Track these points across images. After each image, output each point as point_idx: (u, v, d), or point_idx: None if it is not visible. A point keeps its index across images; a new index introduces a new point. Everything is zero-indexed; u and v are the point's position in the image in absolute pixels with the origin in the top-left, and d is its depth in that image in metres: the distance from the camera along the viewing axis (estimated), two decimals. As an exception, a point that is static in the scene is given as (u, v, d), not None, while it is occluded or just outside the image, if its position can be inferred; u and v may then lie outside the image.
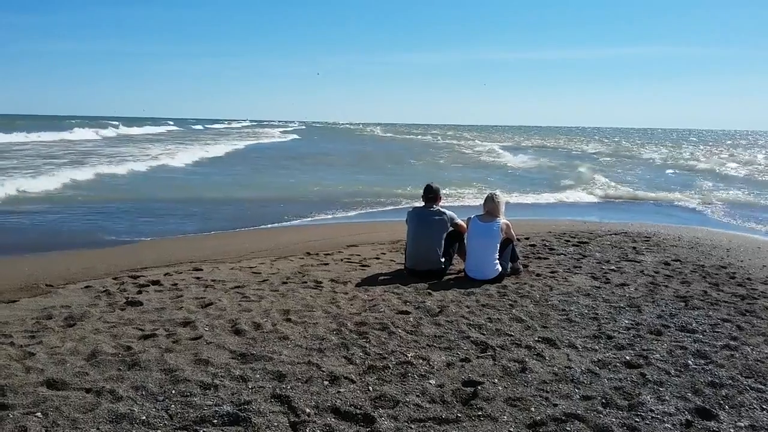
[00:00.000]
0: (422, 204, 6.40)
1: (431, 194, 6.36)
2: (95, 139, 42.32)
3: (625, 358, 3.91)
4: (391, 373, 3.58)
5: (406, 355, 3.85)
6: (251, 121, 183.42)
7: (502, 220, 6.11)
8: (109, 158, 23.37)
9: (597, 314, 4.90)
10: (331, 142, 49.20)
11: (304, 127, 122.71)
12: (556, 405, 3.20)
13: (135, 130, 59.04)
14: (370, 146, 44.44)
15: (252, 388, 3.31)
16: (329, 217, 10.98)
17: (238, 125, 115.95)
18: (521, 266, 6.47)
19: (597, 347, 4.13)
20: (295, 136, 61.03)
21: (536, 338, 4.27)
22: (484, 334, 4.34)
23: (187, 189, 14.69)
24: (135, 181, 16.54)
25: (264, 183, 16.61)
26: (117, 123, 69.65)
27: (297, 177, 18.25)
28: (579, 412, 3.11)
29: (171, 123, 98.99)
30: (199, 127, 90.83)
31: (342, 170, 21.54)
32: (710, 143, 63.03)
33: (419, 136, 69.82)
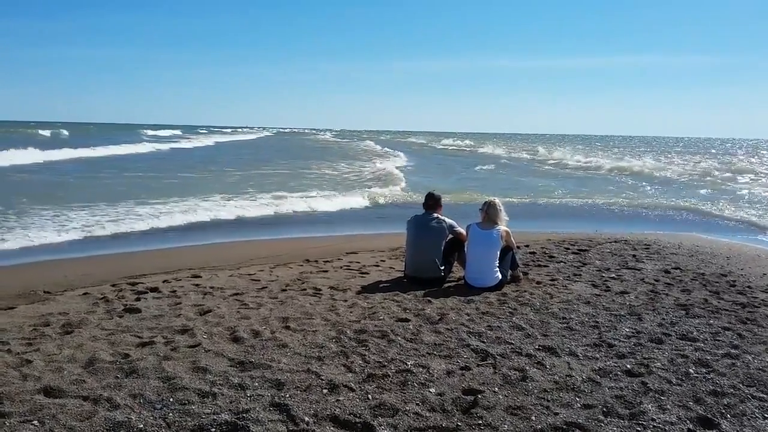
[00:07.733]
0: (422, 212, 6.40)
1: (431, 202, 6.38)
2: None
3: (626, 366, 3.89)
4: (390, 381, 3.55)
5: (406, 363, 3.82)
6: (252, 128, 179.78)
7: (502, 227, 6.09)
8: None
9: (598, 322, 4.88)
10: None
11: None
12: (557, 414, 3.18)
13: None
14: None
15: (250, 396, 3.28)
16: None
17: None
18: (521, 274, 6.45)
19: (598, 355, 4.11)
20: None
21: (537, 346, 4.25)
22: (484, 342, 4.32)
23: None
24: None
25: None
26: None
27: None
28: (580, 421, 3.09)
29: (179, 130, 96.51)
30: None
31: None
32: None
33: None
